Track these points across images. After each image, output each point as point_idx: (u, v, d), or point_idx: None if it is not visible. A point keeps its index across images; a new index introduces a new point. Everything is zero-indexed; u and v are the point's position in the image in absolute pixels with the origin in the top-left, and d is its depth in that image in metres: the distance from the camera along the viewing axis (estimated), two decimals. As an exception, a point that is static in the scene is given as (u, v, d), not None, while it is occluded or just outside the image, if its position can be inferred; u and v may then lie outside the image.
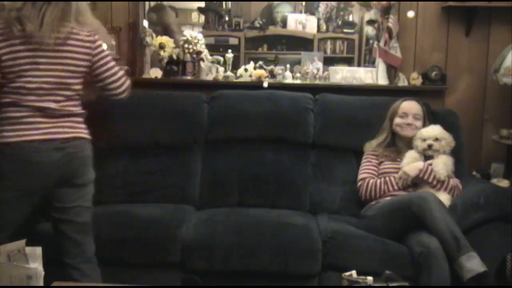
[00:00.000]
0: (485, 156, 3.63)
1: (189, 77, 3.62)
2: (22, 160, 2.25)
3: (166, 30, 3.86)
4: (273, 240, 2.63)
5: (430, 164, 2.89)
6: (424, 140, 2.94)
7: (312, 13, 4.04)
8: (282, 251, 2.61)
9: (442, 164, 2.88)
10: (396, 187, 2.91)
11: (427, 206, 2.53)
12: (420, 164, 2.89)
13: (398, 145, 3.06)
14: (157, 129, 3.31)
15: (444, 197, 2.76)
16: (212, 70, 3.67)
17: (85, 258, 2.42)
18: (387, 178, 2.95)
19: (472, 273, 2.34)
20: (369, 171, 3.02)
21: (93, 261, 2.44)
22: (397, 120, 3.04)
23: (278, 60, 3.78)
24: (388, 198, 2.88)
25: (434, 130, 2.97)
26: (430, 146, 2.92)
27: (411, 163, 2.92)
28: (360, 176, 3.03)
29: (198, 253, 2.65)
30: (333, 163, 3.24)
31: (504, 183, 3.23)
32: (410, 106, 3.06)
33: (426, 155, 2.94)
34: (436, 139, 2.93)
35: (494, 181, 3.30)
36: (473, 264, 2.36)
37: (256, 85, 3.55)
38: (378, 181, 2.96)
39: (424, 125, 3.04)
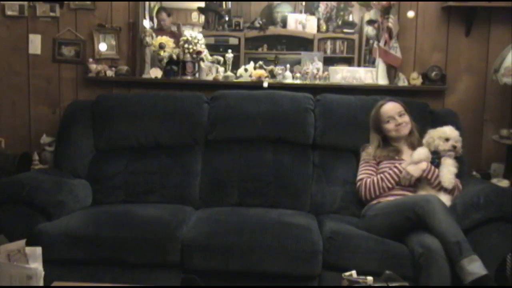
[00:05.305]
0: (485, 156, 3.63)
1: (189, 77, 3.62)
2: None
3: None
4: (273, 240, 2.63)
5: (438, 163, 2.88)
6: (447, 140, 2.88)
7: (312, 13, 4.02)
8: (282, 251, 2.60)
9: (453, 174, 2.83)
10: (392, 181, 2.91)
11: (431, 208, 2.52)
12: (424, 165, 2.88)
13: (394, 145, 3.06)
14: (157, 129, 3.31)
15: (445, 198, 2.75)
16: (212, 70, 3.67)
17: None
18: (382, 175, 2.95)
19: (474, 276, 2.34)
20: (366, 172, 3.02)
21: None
22: (386, 126, 3.03)
23: (278, 60, 3.78)
24: (390, 198, 2.89)
25: (455, 131, 2.91)
26: (454, 147, 2.87)
27: (423, 159, 2.87)
28: (357, 178, 3.04)
29: (198, 253, 2.65)
30: (334, 163, 3.24)
31: (504, 183, 3.22)
32: (390, 108, 3.04)
33: (438, 155, 2.89)
34: (456, 141, 2.90)
35: (494, 181, 3.29)
36: (474, 267, 2.36)
37: (256, 85, 3.56)
38: (375, 178, 2.96)
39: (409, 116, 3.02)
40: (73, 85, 3.74)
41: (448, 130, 2.92)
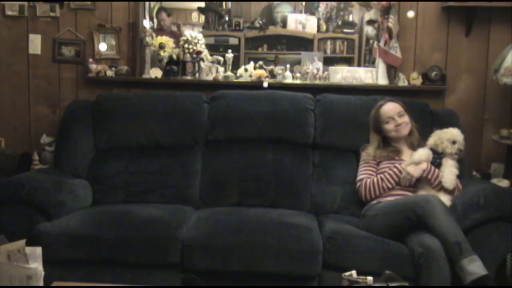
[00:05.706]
0: (485, 156, 3.63)
1: (189, 77, 3.62)
2: None
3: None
4: (273, 240, 2.63)
5: (439, 163, 2.88)
6: (454, 142, 2.88)
7: (312, 13, 4.03)
8: (282, 251, 2.60)
9: (454, 175, 2.83)
10: (392, 181, 2.91)
11: (431, 208, 2.52)
12: (424, 165, 2.88)
13: (394, 145, 3.06)
14: (157, 129, 3.31)
15: (445, 198, 2.75)
16: (212, 70, 3.67)
17: None
18: (382, 175, 2.95)
19: (474, 276, 2.34)
20: (366, 172, 3.02)
21: None
22: (386, 126, 3.03)
23: (278, 60, 3.78)
24: (390, 198, 2.88)
25: (461, 134, 2.91)
26: (460, 151, 2.87)
27: (424, 160, 2.87)
28: (357, 178, 3.04)
29: (198, 253, 2.64)
30: (334, 163, 3.24)
31: (504, 183, 3.22)
32: (390, 108, 3.04)
33: (440, 155, 2.89)
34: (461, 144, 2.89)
35: (494, 181, 3.29)
36: (474, 267, 2.36)
37: (256, 85, 3.56)
38: (375, 179, 2.96)
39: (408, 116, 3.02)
40: (73, 85, 3.74)
41: (456, 133, 2.91)
